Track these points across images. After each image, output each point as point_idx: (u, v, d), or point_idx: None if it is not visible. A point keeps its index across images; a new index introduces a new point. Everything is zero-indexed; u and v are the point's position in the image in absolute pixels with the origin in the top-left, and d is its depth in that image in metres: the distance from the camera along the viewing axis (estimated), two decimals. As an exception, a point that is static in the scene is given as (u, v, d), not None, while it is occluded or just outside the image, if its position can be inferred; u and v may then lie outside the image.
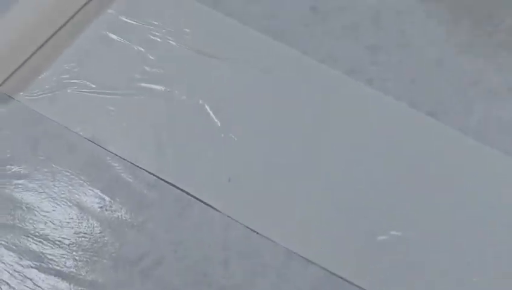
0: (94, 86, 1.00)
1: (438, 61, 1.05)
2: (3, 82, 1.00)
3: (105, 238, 0.92)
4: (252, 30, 1.05)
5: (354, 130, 0.97)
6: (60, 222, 0.93)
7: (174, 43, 1.04)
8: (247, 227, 0.92)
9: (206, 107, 0.98)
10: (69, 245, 0.91)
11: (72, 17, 1.06)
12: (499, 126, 0.99)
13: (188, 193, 0.94)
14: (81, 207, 0.94)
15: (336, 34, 1.07)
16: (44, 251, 0.92)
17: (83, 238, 0.92)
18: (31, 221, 0.93)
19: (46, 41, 1.04)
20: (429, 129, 0.98)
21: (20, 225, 0.93)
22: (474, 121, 1.00)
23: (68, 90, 1.00)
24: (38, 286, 0.88)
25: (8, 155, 0.98)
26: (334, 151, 0.95)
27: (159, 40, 1.04)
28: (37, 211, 0.94)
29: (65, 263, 0.91)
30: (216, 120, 0.97)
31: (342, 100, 1.00)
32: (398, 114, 0.99)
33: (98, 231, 0.93)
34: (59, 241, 0.92)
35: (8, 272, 0.89)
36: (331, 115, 0.99)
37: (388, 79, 1.03)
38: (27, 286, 0.89)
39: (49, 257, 0.91)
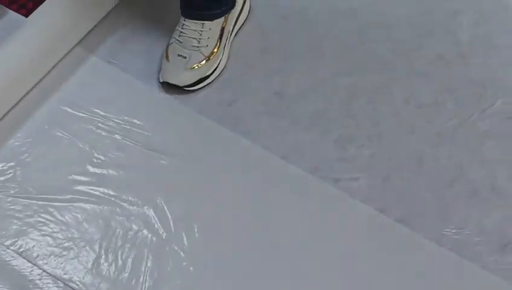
0: (32, 191, 0.90)
1: (415, 154, 0.94)
2: None
3: None
4: (208, 120, 0.95)
5: (315, 237, 0.88)
6: None
7: (120, 138, 0.94)
8: None
9: (153, 216, 0.88)
10: None
11: (8, 111, 0.96)
12: (479, 233, 0.87)
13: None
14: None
15: (301, 124, 0.96)
16: None
17: None
18: None
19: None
20: (400, 239, 0.87)
21: None
22: (452, 228, 0.88)
23: (0, 196, 0.90)
24: None
25: None
26: (289, 257, 0.86)
27: (105, 134, 0.94)
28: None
29: None
30: (162, 231, 0.87)
31: (305, 203, 0.90)
32: (364, 220, 0.89)
33: None
34: None
35: None
36: (290, 218, 0.90)
37: (356, 178, 0.92)
38: None
39: None
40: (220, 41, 0.98)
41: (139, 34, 1.02)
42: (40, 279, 0.84)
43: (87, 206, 0.89)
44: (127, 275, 0.83)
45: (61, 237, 0.87)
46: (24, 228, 0.86)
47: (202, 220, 0.88)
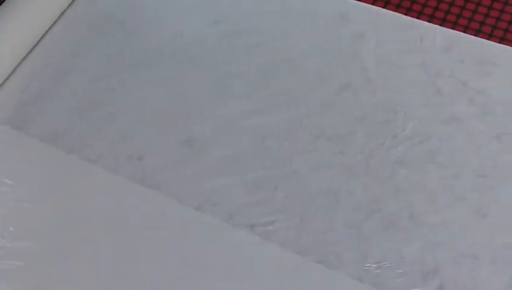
0: None
1: (330, 190, 0.93)
2: None
3: None
4: (114, 175, 0.93)
5: (234, 286, 0.87)
6: None
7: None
8: None
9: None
10: None
11: None
12: (400, 265, 0.86)
13: None
14: None
15: (212, 171, 0.94)
16: None
17: None
18: None
19: None
20: (321, 280, 0.85)
21: None
22: (372, 263, 0.87)
23: None
24: None
25: None
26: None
27: None
28: None
29: None
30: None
31: (221, 252, 0.89)
32: (283, 264, 0.88)
33: None
34: None
35: None
36: (206, 268, 0.88)
37: (272, 222, 0.90)
38: None
39: None
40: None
41: None
42: None
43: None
44: None
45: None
46: None
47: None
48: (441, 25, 1.10)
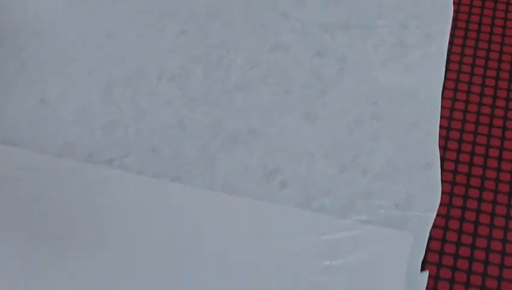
0: None
1: (176, 122, 1.02)
2: None
3: None
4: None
5: (98, 217, 0.94)
6: None
7: None
8: None
9: None
10: None
11: None
12: (245, 171, 0.96)
13: None
14: None
15: (68, 123, 1.02)
16: None
17: None
18: None
19: None
20: (175, 196, 0.95)
21: None
22: (220, 173, 0.97)
23: None
24: None
25: None
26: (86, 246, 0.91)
27: None
28: None
29: None
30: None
31: (83, 189, 0.95)
32: (142, 188, 0.96)
33: None
34: None
35: None
36: (71, 207, 0.95)
37: (127, 155, 0.99)
38: None
39: None
40: None
41: None
42: None
43: None
44: None
45: None
46: None
47: None
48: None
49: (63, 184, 0.97)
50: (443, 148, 0.99)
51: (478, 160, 0.97)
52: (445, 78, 1.05)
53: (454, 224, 0.92)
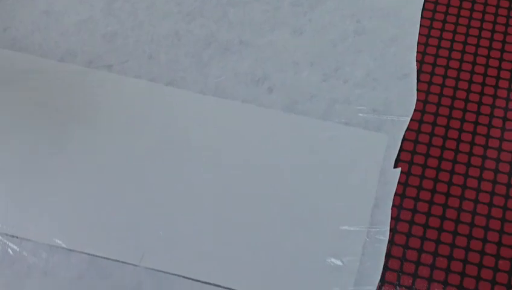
0: None
1: (172, 32, 1.09)
2: None
3: None
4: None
5: (101, 117, 1.02)
6: None
7: None
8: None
9: None
10: None
11: None
12: (235, 77, 1.04)
13: None
14: None
15: (71, 32, 1.09)
16: None
17: None
18: None
19: None
20: (169, 97, 1.02)
21: None
22: (212, 79, 1.04)
23: None
24: None
25: None
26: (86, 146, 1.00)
27: None
28: None
29: None
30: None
31: (84, 92, 1.03)
32: (139, 90, 1.04)
33: None
34: None
35: None
36: (73, 109, 1.03)
37: (126, 61, 1.06)
38: None
39: None
40: None
41: None
42: None
43: None
44: None
45: None
46: None
47: None
48: None
49: (65, 86, 1.04)
50: (420, 62, 1.06)
51: (452, 73, 1.05)
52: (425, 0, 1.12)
53: (426, 128, 1.00)
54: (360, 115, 1.01)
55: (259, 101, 1.03)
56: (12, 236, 0.92)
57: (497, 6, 1.09)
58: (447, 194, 0.94)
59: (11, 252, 0.90)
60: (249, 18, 1.11)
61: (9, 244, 0.91)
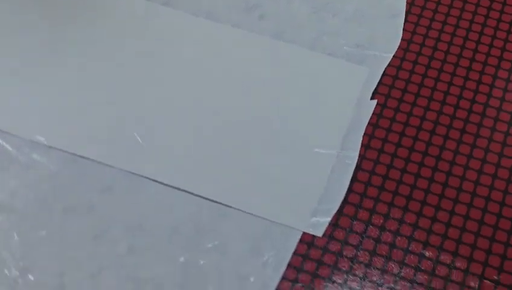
0: None
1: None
2: None
3: None
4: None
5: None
6: None
7: None
8: None
9: None
10: None
11: None
12: (227, 5, 1.07)
13: None
14: None
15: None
16: None
17: None
18: None
19: None
20: (166, 17, 1.06)
21: None
22: (205, 4, 1.08)
23: None
24: None
25: None
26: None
27: None
28: None
29: None
30: None
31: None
32: (134, 9, 1.08)
33: None
34: None
35: None
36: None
37: None
38: None
39: None
40: None
41: None
42: None
43: None
44: None
45: None
46: None
47: None
48: None
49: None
50: (410, 4, 1.09)
51: (439, 17, 1.08)
52: None
53: (407, 65, 1.03)
54: (345, 48, 1.04)
55: (250, 27, 1.06)
56: (-2, 129, 0.96)
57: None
58: (419, 128, 0.97)
59: (-5, 143, 0.95)
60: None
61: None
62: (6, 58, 1.01)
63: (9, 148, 0.95)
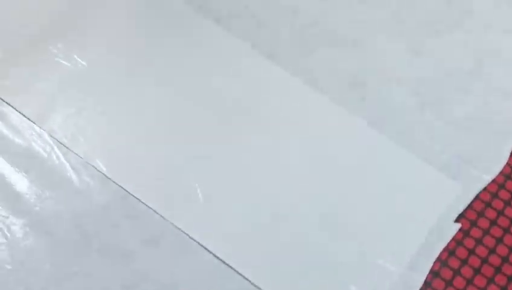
0: None
1: (291, 8, 1.06)
2: None
3: None
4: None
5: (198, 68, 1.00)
6: None
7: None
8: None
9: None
10: None
11: None
12: (331, 70, 1.00)
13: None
14: None
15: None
16: None
17: None
18: None
19: None
20: (266, 72, 1.00)
21: None
22: (310, 63, 1.01)
23: None
24: None
25: None
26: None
27: None
28: None
29: None
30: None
31: (192, 38, 1.02)
32: (236, 52, 1.02)
33: None
34: None
35: None
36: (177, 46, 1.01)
37: (235, 16, 1.04)
38: None
39: None
40: None
41: None
42: None
43: None
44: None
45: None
46: None
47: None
48: None
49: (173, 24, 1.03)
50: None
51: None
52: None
53: (504, 194, 0.93)
54: (442, 156, 0.95)
55: (348, 106, 0.99)
56: (61, 143, 0.92)
57: None
58: (497, 269, 0.88)
59: (54, 157, 0.90)
60: (371, 19, 1.06)
61: (56, 150, 0.91)
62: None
63: (68, 166, 0.90)
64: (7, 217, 0.85)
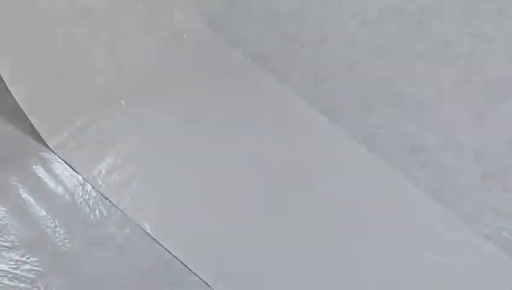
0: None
1: (350, 61, 1.02)
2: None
3: None
4: None
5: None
6: None
7: None
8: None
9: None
10: None
11: None
12: (392, 137, 0.95)
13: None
14: None
15: (251, 20, 1.05)
16: None
17: None
18: None
19: None
20: (321, 130, 0.95)
21: None
22: (370, 127, 0.96)
23: None
24: None
25: None
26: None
27: None
28: None
29: None
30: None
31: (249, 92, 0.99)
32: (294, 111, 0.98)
33: None
34: None
35: None
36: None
37: (292, 70, 1.00)
38: None
39: None
40: None
41: None
42: None
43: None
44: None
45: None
46: None
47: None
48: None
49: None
50: None
51: None
52: None
53: None
54: (504, 233, 0.90)
55: (404, 171, 0.94)
56: (107, 199, 0.88)
57: None
58: None
59: (98, 213, 0.87)
60: (436, 80, 1.01)
61: (100, 205, 0.88)
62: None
63: (110, 221, 0.86)
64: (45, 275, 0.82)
